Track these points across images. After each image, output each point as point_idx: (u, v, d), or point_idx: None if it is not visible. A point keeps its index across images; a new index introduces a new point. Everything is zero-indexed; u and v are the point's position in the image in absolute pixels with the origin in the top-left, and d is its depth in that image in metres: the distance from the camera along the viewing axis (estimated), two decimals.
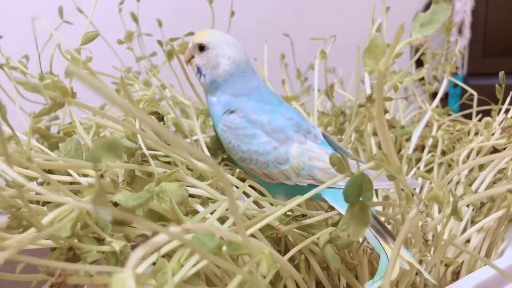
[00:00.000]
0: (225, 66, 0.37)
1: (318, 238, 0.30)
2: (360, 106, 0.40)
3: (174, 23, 0.64)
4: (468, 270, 0.38)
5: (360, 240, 0.34)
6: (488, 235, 0.39)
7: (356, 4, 1.08)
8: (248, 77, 0.38)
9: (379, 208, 0.42)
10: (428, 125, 0.58)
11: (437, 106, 0.59)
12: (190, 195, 0.31)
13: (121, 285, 0.15)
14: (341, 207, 0.31)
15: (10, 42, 0.50)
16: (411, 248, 0.32)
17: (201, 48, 0.38)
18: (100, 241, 0.26)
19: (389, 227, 0.35)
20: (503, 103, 0.47)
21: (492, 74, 0.56)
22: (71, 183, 0.30)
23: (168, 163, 0.36)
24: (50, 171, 0.32)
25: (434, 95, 0.62)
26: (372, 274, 0.35)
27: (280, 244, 0.34)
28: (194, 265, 0.20)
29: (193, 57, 0.39)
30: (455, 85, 1.00)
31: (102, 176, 0.29)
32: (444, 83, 0.59)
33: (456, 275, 0.38)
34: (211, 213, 0.27)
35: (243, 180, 0.34)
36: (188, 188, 0.30)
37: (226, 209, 0.27)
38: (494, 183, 0.45)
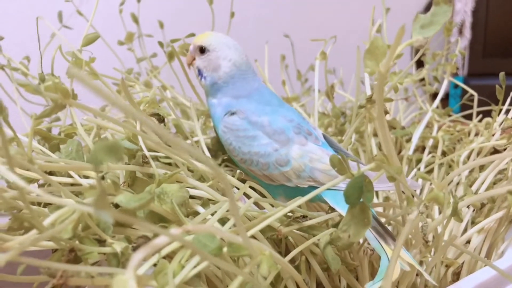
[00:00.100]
0: (226, 68, 0.37)
1: (318, 239, 0.30)
2: (360, 107, 0.40)
3: (174, 24, 0.64)
4: (468, 271, 0.38)
5: (361, 241, 0.34)
6: (488, 236, 0.39)
7: (356, 5, 1.08)
8: (249, 78, 0.38)
9: (380, 209, 0.42)
10: (429, 125, 0.58)
11: (437, 107, 0.59)
12: (191, 197, 0.31)
13: (122, 287, 0.15)
14: (342, 209, 0.31)
15: (10, 42, 0.50)
16: (412, 249, 0.32)
17: (202, 50, 0.38)
18: (101, 242, 0.26)
19: (389, 228, 0.35)
20: (503, 104, 0.47)
21: (492, 74, 0.56)
22: (72, 184, 0.30)
23: (169, 164, 0.36)
24: (51, 173, 0.32)
25: (434, 95, 0.62)
26: (372, 275, 0.35)
27: (281, 245, 0.34)
28: (195, 267, 0.20)
29: (194, 59, 0.39)
30: (456, 86, 1.00)
31: (103, 177, 0.29)
32: (445, 84, 0.59)
33: (456, 276, 0.38)
34: (212, 215, 0.27)
35: (243, 181, 0.34)
36: (189, 189, 0.30)
37: (227, 211, 0.27)
38: (494, 184, 0.45)
